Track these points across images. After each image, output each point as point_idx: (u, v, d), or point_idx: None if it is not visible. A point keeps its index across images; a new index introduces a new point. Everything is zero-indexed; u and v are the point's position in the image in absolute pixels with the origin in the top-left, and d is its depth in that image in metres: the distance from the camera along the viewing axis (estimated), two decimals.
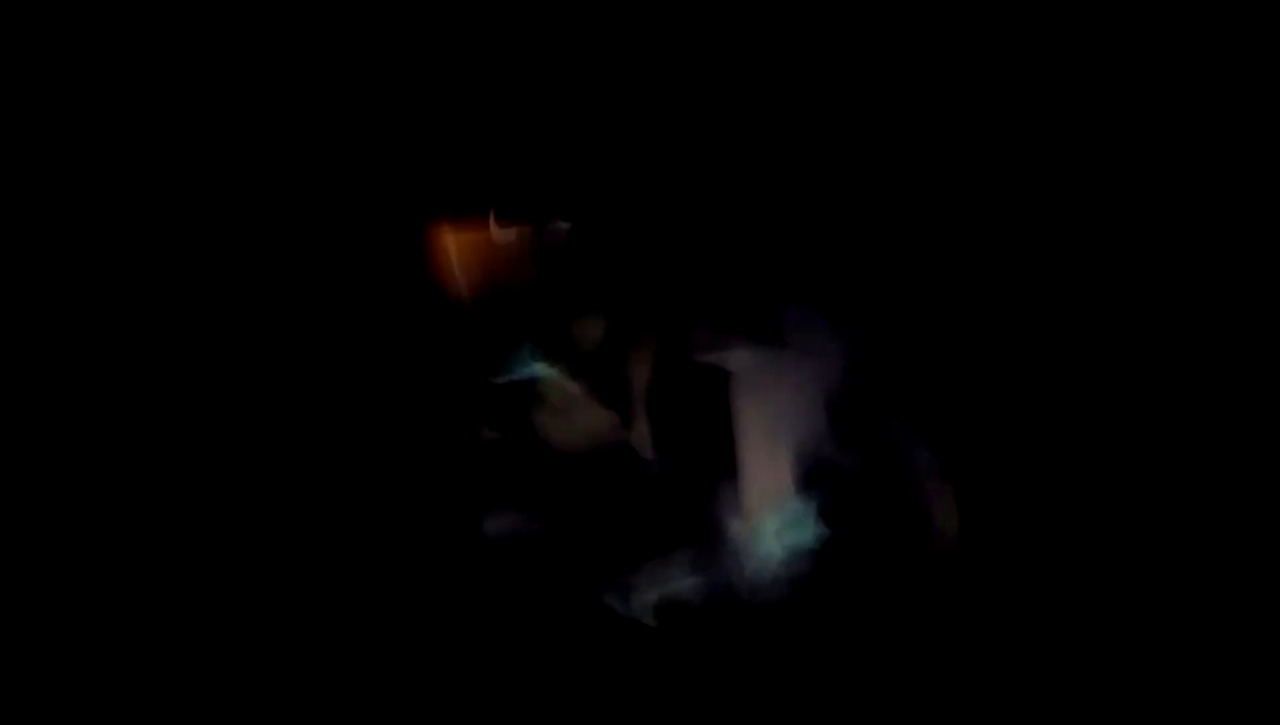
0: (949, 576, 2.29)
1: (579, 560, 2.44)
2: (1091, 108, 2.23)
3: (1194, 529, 2.17)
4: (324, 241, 2.15)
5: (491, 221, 3.08)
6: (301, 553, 2.12)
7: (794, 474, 2.64)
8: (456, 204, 2.31)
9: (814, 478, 2.64)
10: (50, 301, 2.07)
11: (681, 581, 2.38)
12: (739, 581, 2.41)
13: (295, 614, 2.10)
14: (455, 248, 2.97)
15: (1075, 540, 2.21)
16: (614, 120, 2.25)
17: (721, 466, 2.62)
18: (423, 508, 2.18)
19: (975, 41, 2.21)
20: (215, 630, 2.07)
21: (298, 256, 2.13)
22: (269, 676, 2.07)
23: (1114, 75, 2.23)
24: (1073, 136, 2.23)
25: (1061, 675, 2.18)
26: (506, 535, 2.39)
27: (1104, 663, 2.18)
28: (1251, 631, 2.15)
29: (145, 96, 2.08)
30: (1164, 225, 2.22)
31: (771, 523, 2.54)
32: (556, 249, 3.05)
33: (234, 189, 2.11)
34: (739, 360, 2.64)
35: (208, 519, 2.09)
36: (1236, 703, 2.13)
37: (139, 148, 2.09)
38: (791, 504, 2.60)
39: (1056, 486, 2.24)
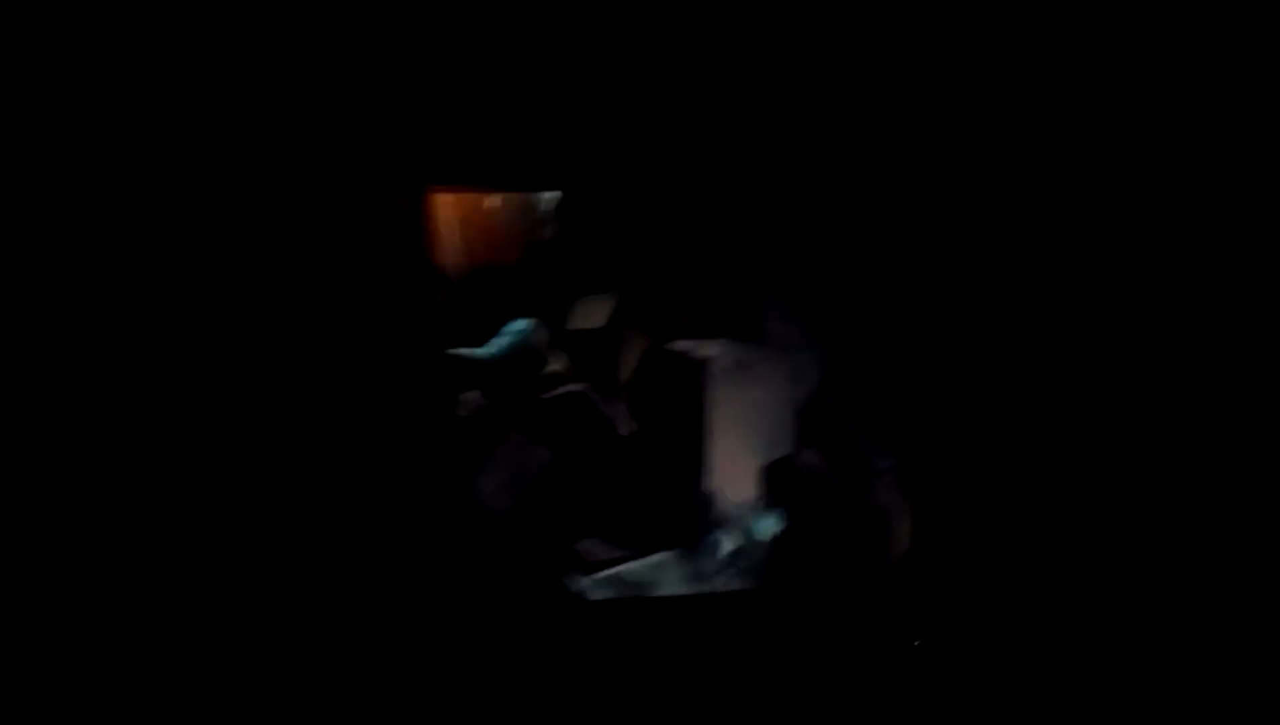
0: (902, 582, 2.36)
1: (544, 536, 2.51)
2: (1072, 130, 2.27)
3: (1155, 534, 2.24)
4: (313, 214, 2.15)
5: (485, 195, 3.14)
6: (281, 520, 2.15)
7: (759, 467, 2.71)
8: (449, 175, 2.31)
9: (777, 473, 2.71)
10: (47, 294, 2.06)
11: (641, 565, 2.46)
12: (698, 567, 2.48)
13: (273, 578, 2.14)
14: (448, 218, 3.03)
15: (1033, 550, 2.28)
16: (611, 110, 2.26)
17: (690, 454, 2.68)
18: (404, 479, 2.22)
19: (964, 52, 2.25)
20: (194, 607, 2.11)
21: (287, 229, 2.13)
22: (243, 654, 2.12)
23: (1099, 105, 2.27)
24: (1050, 156, 2.27)
25: (1014, 678, 2.26)
26: (482, 508, 2.46)
27: (1058, 667, 2.25)
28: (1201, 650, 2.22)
29: (124, 84, 2.05)
30: (1138, 249, 2.27)
31: (734, 513, 2.62)
32: (550, 226, 3.11)
33: (223, 167, 2.11)
34: (716, 353, 2.70)
35: (181, 490, 2.11)
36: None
37: (114, 133, 2.07)
38: (754, 496, 2.68)
39: (1018, 496, 2.31)
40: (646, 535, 2.54)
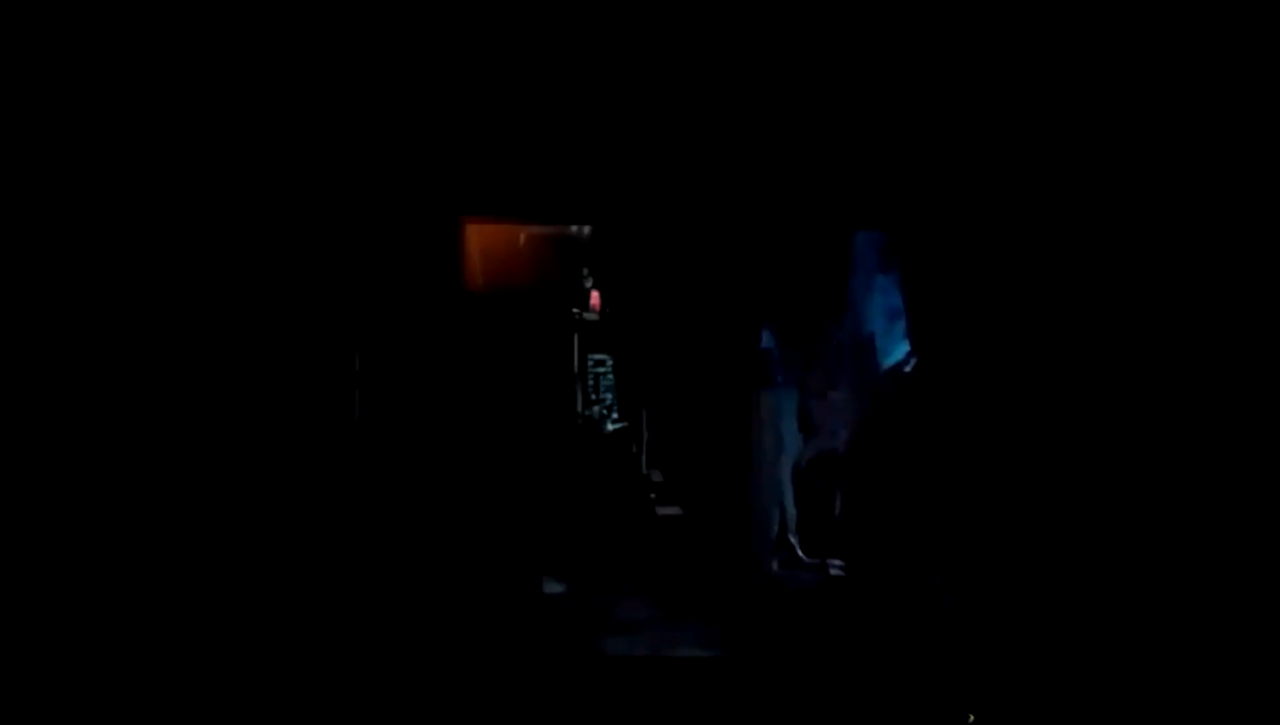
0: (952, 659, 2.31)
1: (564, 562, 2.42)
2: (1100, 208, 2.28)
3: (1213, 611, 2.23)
4: (348, 236, 2.14)
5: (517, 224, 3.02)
6: (305, 544, 2.09)
7: (792, 520, 2.65)
8: (481, 201, 2.30)
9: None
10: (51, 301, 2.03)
11: (669, 625, 2.38)
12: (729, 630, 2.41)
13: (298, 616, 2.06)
14: (478, 242, 2.90)
15: (1087, 629, 2.25)
16: (648, 134, 2.25)
17: (728, 489, 2.61)
18: (433, 498, 2.18)
19: (1004, 121, 2.24)
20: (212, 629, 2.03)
21: (322, 250, 2.12)
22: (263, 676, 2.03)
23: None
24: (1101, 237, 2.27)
25: None
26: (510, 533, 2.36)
27: None
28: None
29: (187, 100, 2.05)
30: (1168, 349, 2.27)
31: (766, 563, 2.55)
32: (580, 252, 3.00)
33: (258, 189, 2.10)
34: (764, 399, 2.63)
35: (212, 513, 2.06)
36: None
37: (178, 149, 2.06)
38: (788, 548, 2.62)
39: (1067, 578, 2.28)
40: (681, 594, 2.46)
